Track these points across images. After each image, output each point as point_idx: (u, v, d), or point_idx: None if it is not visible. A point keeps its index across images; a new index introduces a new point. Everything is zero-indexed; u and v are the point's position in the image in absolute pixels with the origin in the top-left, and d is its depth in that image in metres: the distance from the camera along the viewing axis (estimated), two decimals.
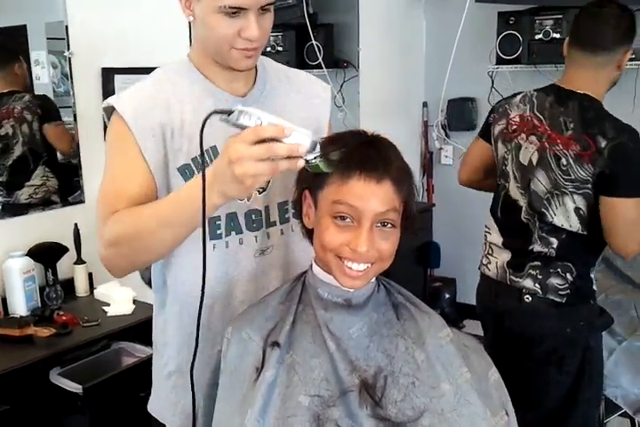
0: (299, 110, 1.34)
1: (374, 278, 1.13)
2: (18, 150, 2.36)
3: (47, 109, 2.46)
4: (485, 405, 1.07)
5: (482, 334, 2.11)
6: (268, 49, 3.56)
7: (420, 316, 1.13)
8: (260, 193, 1.30)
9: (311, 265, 1.14)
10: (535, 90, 1.96)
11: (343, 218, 1.02)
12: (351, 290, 1.09)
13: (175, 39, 2.63)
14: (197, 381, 1.22)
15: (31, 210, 2.37)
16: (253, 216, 1.30)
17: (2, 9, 2.27)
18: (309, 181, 1.08)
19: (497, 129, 2.00)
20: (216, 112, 0.96)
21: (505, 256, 1.97)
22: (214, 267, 1.28)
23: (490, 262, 2.03)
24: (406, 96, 4.10)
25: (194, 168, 1.23)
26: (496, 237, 2.01)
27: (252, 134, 0.92)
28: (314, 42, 3.42)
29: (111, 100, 1.24)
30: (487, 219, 2.08)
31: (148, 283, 1.47)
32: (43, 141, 2.42)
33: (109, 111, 1.26)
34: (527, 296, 1.89)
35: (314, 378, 1.04)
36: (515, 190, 1.94)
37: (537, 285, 1.87)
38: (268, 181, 1.30)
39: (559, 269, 1.85)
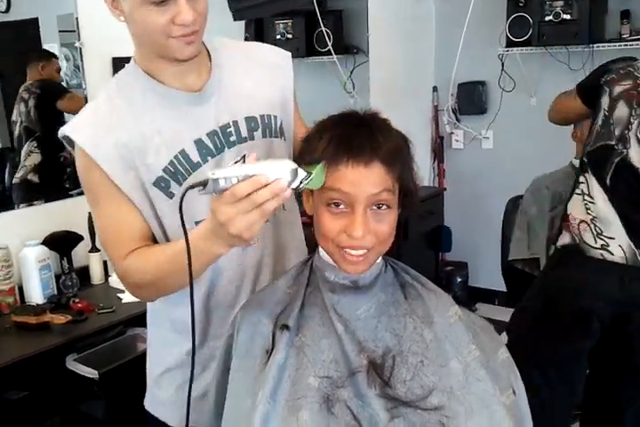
0: (262, 87, 1.32)
1: (381, 259, 1.13)
2: (17, 131, 2.44)
3: (49, 88, 2.51)
4: (494, 382, 1.08)
5: (494, 317, 2.10)
6: (278, 37, 3.56)
7: (428, 295, 1.13)
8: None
9: (318, 249, 1.14)
10: None
11: (337, 204, 1.03)
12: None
13: None
14: (210, 367, 1.26)
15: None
16: None
17: (14, 2, 2.29)
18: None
19: (617, 89, 1.89)
20: (191, 187, 0.96)
21: (619, 233, 1.84)
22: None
23: (608, 245, 1.85)
24: (416, 81, 4.09)
25: (168, 178, 1.22)
26: (604, 207, 1.86)
27: (231, 197, 0.93)
28: (323, 28, 3.40)
29: (67, 131, 1.21)
30: (586, 189, 1.92)
31: None
32: (37, 119, 2.46)
33: (67, 140, 1.23)
34: None
35: (323, 360, 1.05)
36: (638, 158, 1.83)
37: None
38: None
39: None
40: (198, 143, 1.23)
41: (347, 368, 1.04)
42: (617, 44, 3.36)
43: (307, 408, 1.01)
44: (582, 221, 1.89)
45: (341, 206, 1.03)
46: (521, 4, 3.50)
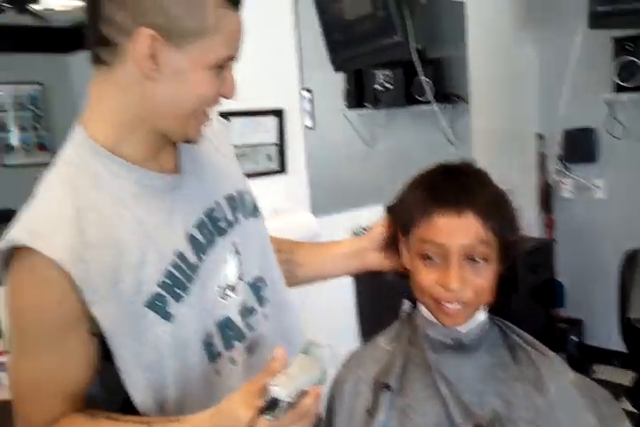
0: (225, 157, 1.16)
1: (486, 317, 1.07)
2: None
3: None
4: None
5: (612, 380, 1.92)
6: (377, 87, 3.56)
7: (539, 358, 1.05)
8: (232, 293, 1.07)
9: (417, 305, 1.10)
10: None
11: (431, 256, 0.99)
12: (461, 331, 1.04)
13: (285, 81, 2.67)
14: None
15: None
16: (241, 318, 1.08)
17: None
18: (399, 221, 1.07)
19: None
20: (263, 412, 0.83)
21: None
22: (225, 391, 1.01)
23: None
24: (520, 128, 3.97)
25: (165, 294, 0.95)
26: None
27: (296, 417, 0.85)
28: (422, 77, 3.37)
29: (22, 237, 0.85)
30: None
31: None
32: None
33: (10, 254, 0.88)
34: None
35: (426, 423, 0.99)
36: None
37: None
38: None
39: None
40: (190, 239, 1.01)
41: None
42: None
43: None
44: None
45: (435, 259, 0.99)
46: (629, 48, 3.35)
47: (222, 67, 0.92)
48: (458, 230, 0.97)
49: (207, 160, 1.09)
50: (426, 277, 1.00)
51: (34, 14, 2.14)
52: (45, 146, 2.40)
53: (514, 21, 3.82)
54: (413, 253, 1.03)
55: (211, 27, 0.87)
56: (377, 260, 1.24)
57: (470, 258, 0.98)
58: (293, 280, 1.30)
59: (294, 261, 1.31)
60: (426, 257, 1.00)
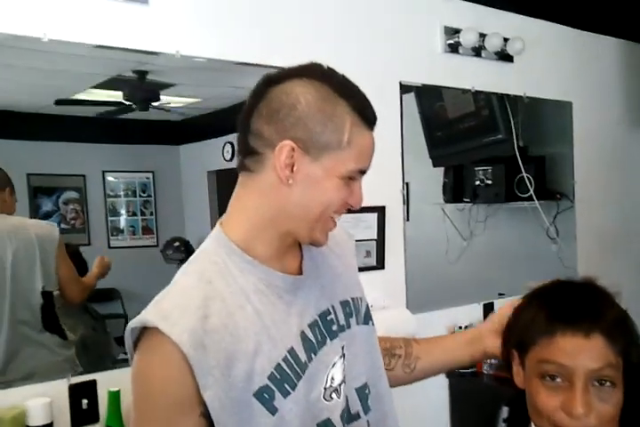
0: (344, 266, 1.20)
1: None
2: None
3: None
4: None
5: None
6: (477, 182, 3.53)
7: None
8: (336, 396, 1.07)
9: (530, 424, 1.03)
10: None
11: (552, 378, 0.94)
12: None
13: (388, 179, 2.69)
14: None
15: None
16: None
17: None
18: (515, 341, 1.03)
19: None
20: None
21: None
22: None
23: None
24: (629, 229, 3.81)
25: (273, 388, 0.97)
26: None
27: None
28: (524, 174, 3.33)
29: (152, 319, 0.92)
30: None
31: None
32: None
33: (139, 333, 0.96)
34: None
35: None
36: None
37: None
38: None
39: None
40: (303, 338, 1.04)
41: None
42: None
43: None
44: None
45: (557, 380, 0.94)
46: None
47: (352, 178, 1.01)
48: (585, 353, 0.92)
49: (328, 265, 1.16)
50: (547, 400, 0.94)
51: (161, 109, 2.30)
52: (150, 229, 2.50)
53: (623, 120, 3.76)
54: (531, 372, 0.98)
55: (345, 142, 0.98)
56: (495, 345, 1.19)
57: (596, 382, 0.92)
58: (413, 374, 1.31)
59: (413, 355, 1.31)
60: (547, 378, 0.95)
